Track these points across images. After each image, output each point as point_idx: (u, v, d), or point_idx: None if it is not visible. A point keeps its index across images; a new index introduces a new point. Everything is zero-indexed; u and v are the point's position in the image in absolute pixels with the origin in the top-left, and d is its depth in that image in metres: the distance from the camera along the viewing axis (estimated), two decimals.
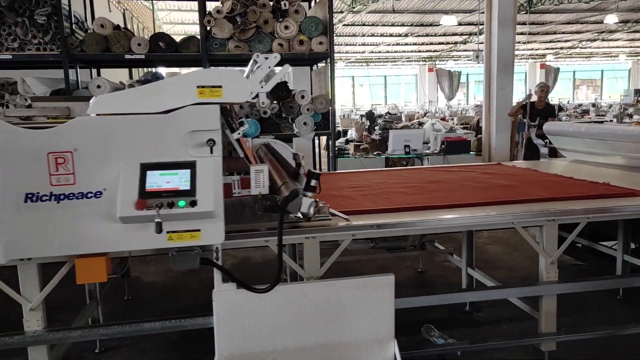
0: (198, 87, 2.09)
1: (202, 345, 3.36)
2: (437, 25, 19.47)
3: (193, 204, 2.00)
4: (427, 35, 22.11)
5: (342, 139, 10.14)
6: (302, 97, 6.09)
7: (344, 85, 30.31)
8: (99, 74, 6.94)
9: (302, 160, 2.65)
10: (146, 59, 5.80)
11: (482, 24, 10.13)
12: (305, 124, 6.08)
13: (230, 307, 2.26)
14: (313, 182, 2.34)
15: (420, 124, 12.15)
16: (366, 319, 2.34)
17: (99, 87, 5.62)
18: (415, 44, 24.19)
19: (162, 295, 4.34)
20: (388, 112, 15.67)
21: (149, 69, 8.16)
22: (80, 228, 2.02)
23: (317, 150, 7.82)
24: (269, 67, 2.43)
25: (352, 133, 11.50)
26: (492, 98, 8.51)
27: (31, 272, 2.24)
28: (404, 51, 26.16)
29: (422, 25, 20.06)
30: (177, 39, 5.92)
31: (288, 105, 6.07)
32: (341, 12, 16.49)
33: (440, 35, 22.38)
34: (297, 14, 5.97)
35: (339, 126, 12.67)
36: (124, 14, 12.25)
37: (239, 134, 2.29)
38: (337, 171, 5.74)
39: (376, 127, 10.13)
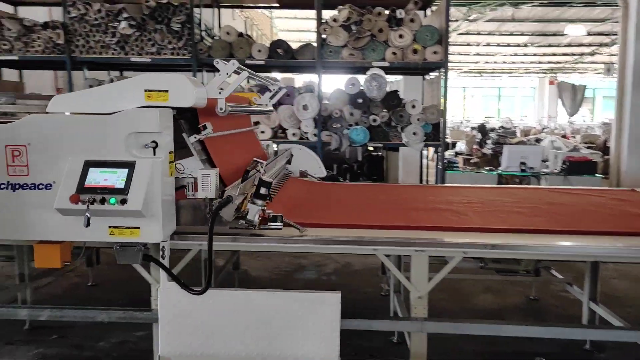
0: (146, 90, 2.16)
1: None
2: (561, 35, 18.15)
3: (123, 202, 2.07)
4: (549, 45, 20.68)
5: (451, 151, 9.83)
6: (413, 106, 6.01)
7: (455, 95, 29.40)
8: None
9: (262, 168, 2.53)
10: (265, 64, 6.09)
11: (616, 34, 9.23)
12: (414, 133, 5.99)
13: (174, 305, 2.29)
14: (262, 190, 2.29)
15: (537, 140, 11.36)
16: (310, 336, 2.24)
17: (221, 90, 6.02)
18: (535, 54, 22.74)
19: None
20: (502, 126, 14.87)
21: (266, 75, 8.59)
22: (31, 216, 2.18)
23: (424, 161, 7.66)
24: (227, 74, 2.44)
25: (461, 146, 11.10)
26: (625, 115, 7.71)
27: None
28: (522, 62, 24.70)
29: (544, 34, 18.82)
30: (293, 45, 6.15)
31: (398, 115, 6.03)
32: (456, 20, 16.02)
33: (564, 46, 20.82)
34: (413, 22, 5.92)
35: (448, 138, 12.30)
36: (245, 22, 13.02)
37: (195, 137, 2.33)
38: (447, 184, 5.56)
39: (488, 141, 9.67)
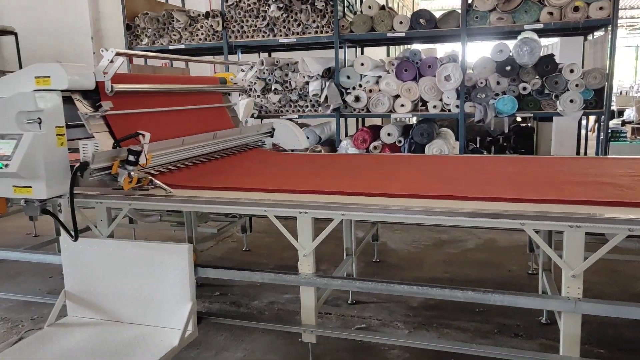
0: (35, 77, 2.63)
1: (438, 316, 3.43)
2: None
3: (7, 165, 2.56)
4: None
5: (616, 120, 8.69)
6: (571, 71, 5.45)
7: (624, 56, 25.63)
8: (362, 53, 7.51)
9: (143, 139, 2.82)
10: (406, 36, 6.00)
11: None
12: (571, 101, 5.44)
13: (70, 249, 2.85)
14: (130, 158, 2.71)
15: None
16: (167, 280, 2.69)
17: (362, 64, 6.10)
18: None
19: (406, 262, 4.56)
20: None
21: (407, 46, 8.42)
22: None
23: (582, 132, 6.92)
24: (109, 60, 2.84)
25: (630, 113, 9.74)
26: None
27: (307, 224, 2.63)
28: None
29: None
30: (436, 14, 5.94)
31: (553, 81, 5.52)
32: None
33: None
34: None
35: (613, 105, 10.89)
36: None
37: (86, 115, 2.82)
38: (611, 156, 4.97)
39: None
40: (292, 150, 4.42)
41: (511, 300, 2.43)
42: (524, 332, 3.21)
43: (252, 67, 4.49)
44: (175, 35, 6.68)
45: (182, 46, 6.68)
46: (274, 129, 4.43)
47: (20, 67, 8.95)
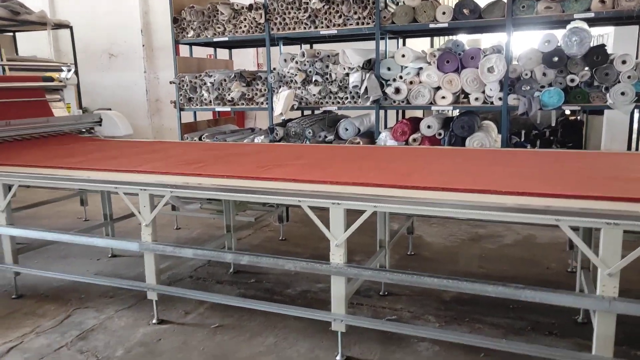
0: None
1: (471, 311, 3.40)
2: None
3: None
4: None
5: None
6: (624, 62, 5.20)
7: None
8: (404, 44, 7.43)
9: None
10: (449, 27, 5.89)
11: None
12: (623, 94, 5.20)
13: None
14: None
15: None
16: None
17: (403, 56, 6.05)
18: None
19: (441, 256, 4.53)
20: None
21: (450, 37, 8.25)
22: None
23: (635, 125, 6.60)
24: None
25: None
26: None
27: (339, 215, 2.66)
28: None
29: None
30: (481, 4, 5.79)
31: (603, 72, 5.28)
32: None
33: None
34: None
35: None
36: None
37: None
38: None
39: None
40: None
41: (543, 296, 2.39)
42: (559, 330, 3.14)
43: (70, 68, 5.43)
44: (219, 27, 6.82)
45: (226, 38, 6.82)
46: (101, 119, 5.32)
47: (75, 59, 9.39)
